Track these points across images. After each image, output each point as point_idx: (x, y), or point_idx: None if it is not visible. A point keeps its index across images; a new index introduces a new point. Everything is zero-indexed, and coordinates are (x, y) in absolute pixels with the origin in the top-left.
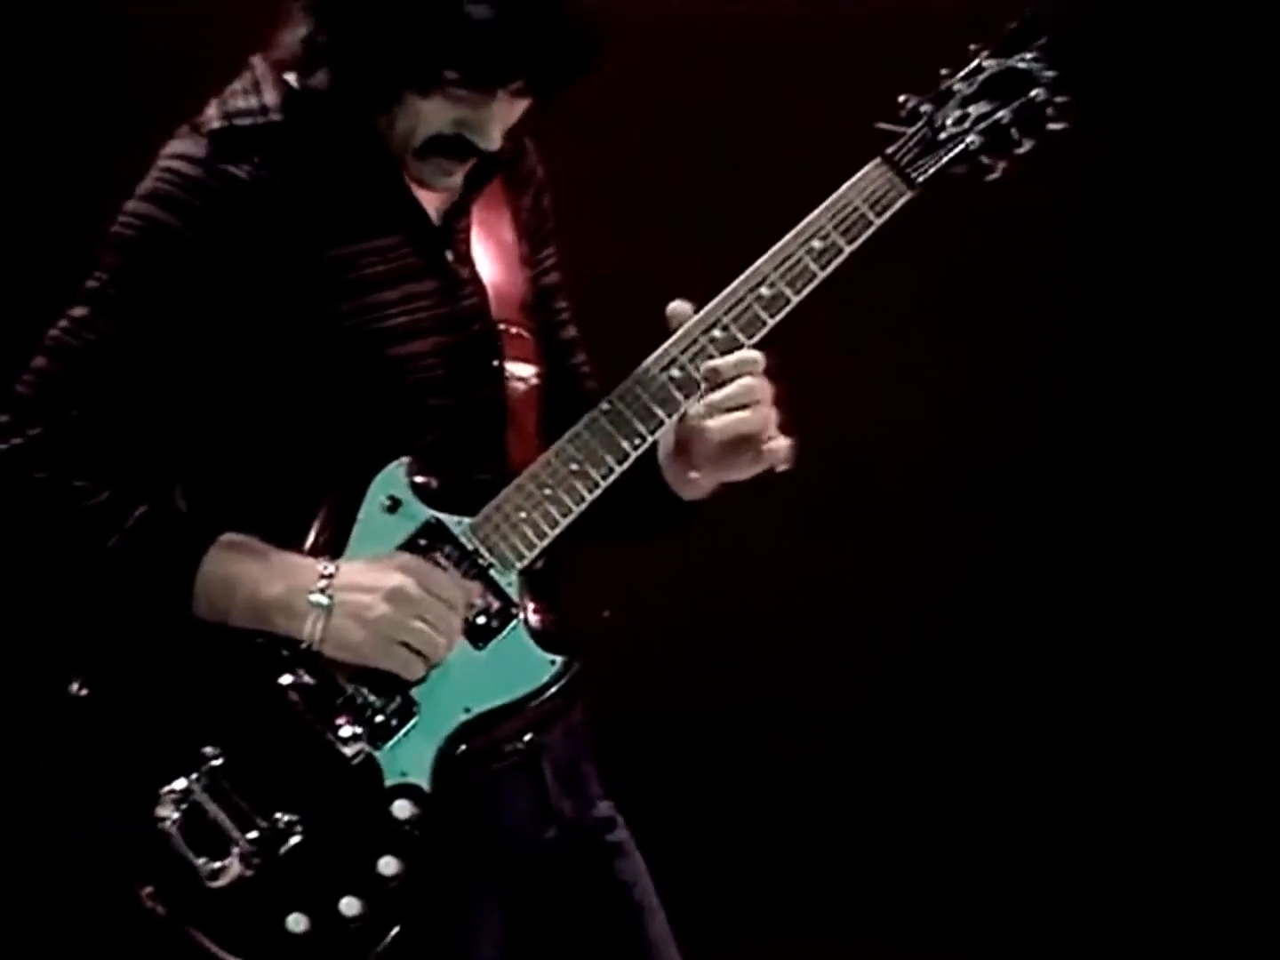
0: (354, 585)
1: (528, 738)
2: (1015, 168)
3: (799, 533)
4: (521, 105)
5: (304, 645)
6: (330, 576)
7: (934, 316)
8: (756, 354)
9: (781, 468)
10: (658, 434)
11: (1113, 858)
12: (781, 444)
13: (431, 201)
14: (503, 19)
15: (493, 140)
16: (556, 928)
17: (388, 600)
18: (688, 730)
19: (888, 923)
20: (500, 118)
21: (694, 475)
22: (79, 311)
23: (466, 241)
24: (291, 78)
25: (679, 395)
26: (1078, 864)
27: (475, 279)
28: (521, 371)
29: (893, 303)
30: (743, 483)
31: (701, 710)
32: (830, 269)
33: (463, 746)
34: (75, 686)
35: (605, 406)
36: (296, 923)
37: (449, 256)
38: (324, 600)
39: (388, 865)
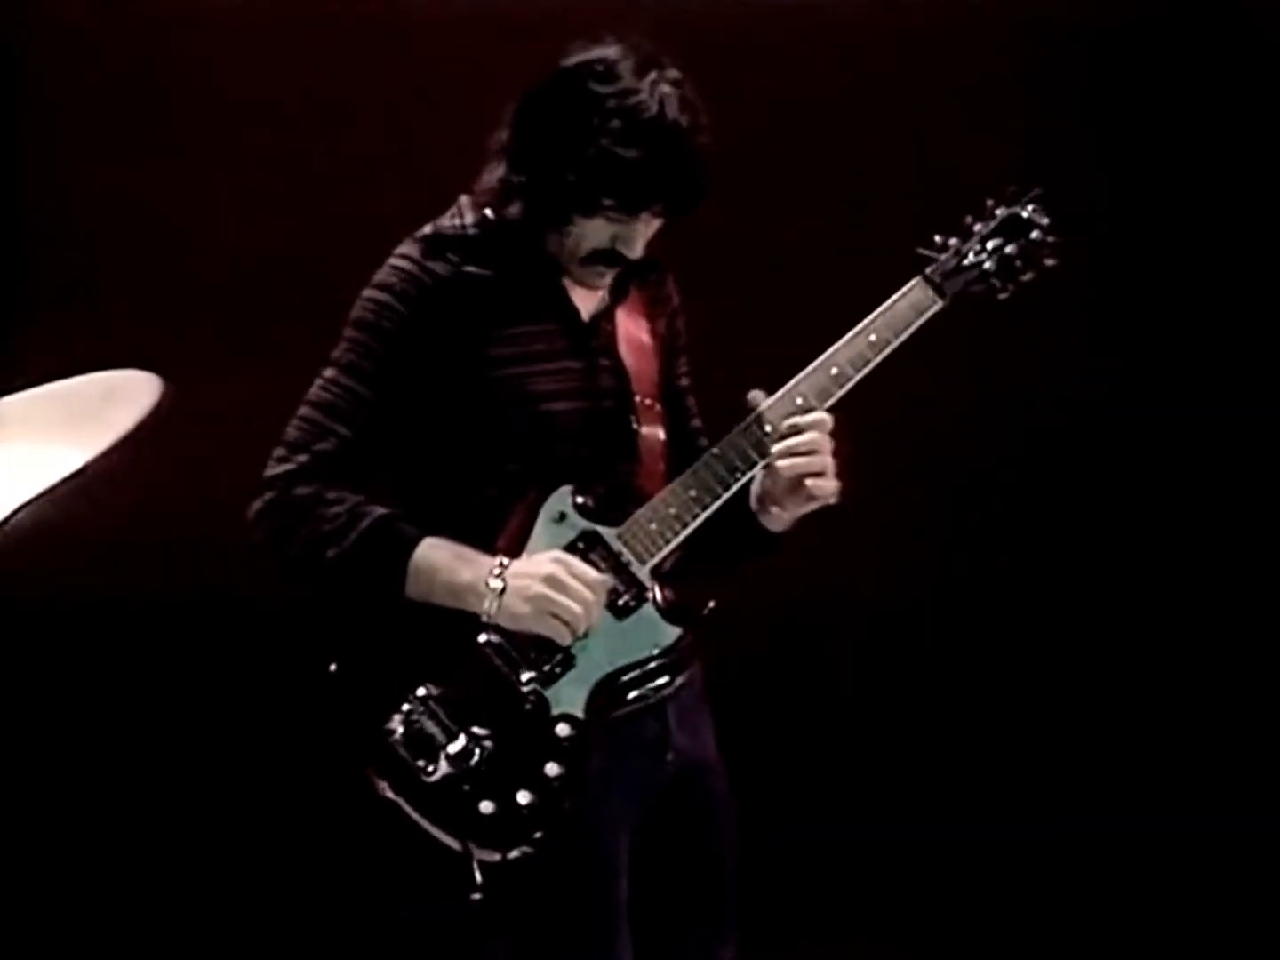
0: (520, 573)
1: (657, 682)
2: (1019, 290)
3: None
4: (657, 223)
5: (485, 618)
6: (504, 567)
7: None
8: (827, 416)
9: (831, 501)
10: (752, 472)
11: (1111, 855)
12: (832, 484)
13: (585, 306)
14: (646, 160)
15: (637, 250)
16: (655, 847)
17: (544, 583)
18: None
19: (882, 924)
20: (643, 234)
21: (775, 510)
22: (329, 373)
23: (611, 338)
24: (487, 211)
25: (769, 444)
26: (1075, 865)
27: (616, 366)
28: (653, 433)
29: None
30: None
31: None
32: (881, 356)
33: (607, 689)
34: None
35: (715, 451)
36: (486, 807)
37: (593, 346)
38: (499, 584)
39: (551, 769)
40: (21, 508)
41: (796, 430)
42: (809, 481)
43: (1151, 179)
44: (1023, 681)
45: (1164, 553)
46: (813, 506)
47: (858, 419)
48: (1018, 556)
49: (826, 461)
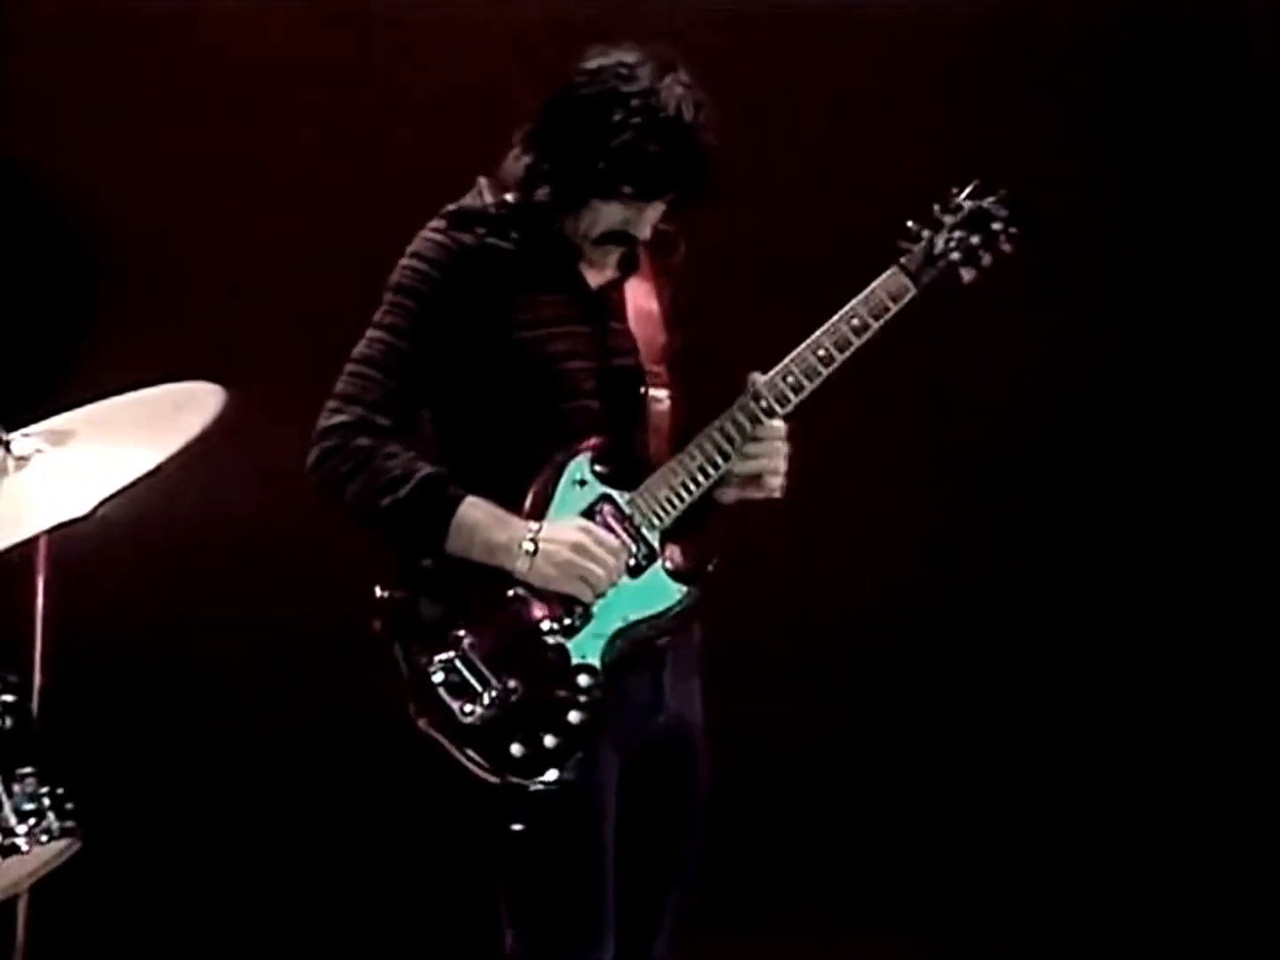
0: (550, 538)
1: (662, 641)
2: (981, 275)
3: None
4: (663, 208)
5: (518, 576)
6: (537, 531)
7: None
8: (781, 424)
9: (775, 495)
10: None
11: (1112, 857)
12: (781, 482)
13: (595, 279)
14: (663, 153)
15: (645, 232)
16: (641, 793)
17: (572, 550)
18: None
19: (880, 923)
20: (651, 218)
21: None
22: (373, 334)
23: (619, 306)
24: (507, 195)
25: (764, 420)
26: (1075, 865)
27: (625, 332)
28: (659, 395)
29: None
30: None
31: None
32: (862, 339)
33: (620, 641)
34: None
35: (717, 424)
36: (515, 748)
37: (603, 313)
38: (531, 547)
39: (574, 716)
40: (105, 501)
41: (759, 438)
42: (771, 481)
43: (1150, 178)
44: (1023, 681)
45: (1166, 553)
46: (761, 495)
47: (866, 422)
48: (1019, 557)
49: (781, 465)
